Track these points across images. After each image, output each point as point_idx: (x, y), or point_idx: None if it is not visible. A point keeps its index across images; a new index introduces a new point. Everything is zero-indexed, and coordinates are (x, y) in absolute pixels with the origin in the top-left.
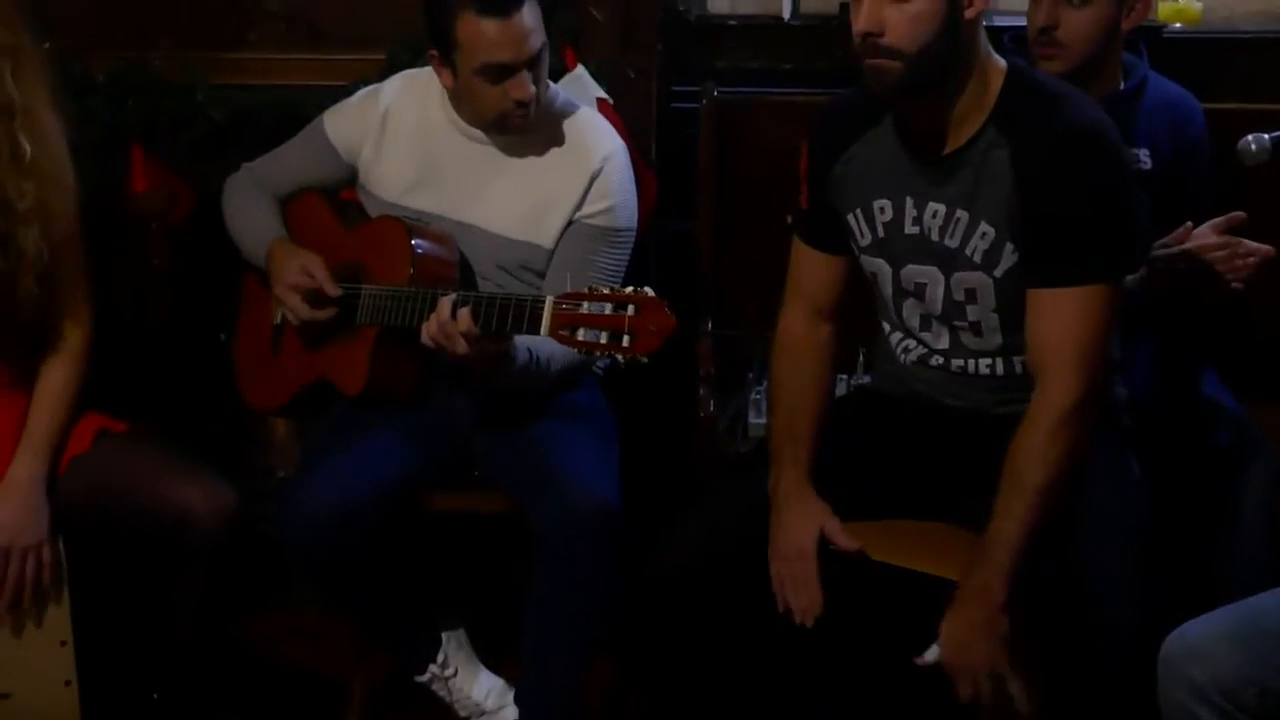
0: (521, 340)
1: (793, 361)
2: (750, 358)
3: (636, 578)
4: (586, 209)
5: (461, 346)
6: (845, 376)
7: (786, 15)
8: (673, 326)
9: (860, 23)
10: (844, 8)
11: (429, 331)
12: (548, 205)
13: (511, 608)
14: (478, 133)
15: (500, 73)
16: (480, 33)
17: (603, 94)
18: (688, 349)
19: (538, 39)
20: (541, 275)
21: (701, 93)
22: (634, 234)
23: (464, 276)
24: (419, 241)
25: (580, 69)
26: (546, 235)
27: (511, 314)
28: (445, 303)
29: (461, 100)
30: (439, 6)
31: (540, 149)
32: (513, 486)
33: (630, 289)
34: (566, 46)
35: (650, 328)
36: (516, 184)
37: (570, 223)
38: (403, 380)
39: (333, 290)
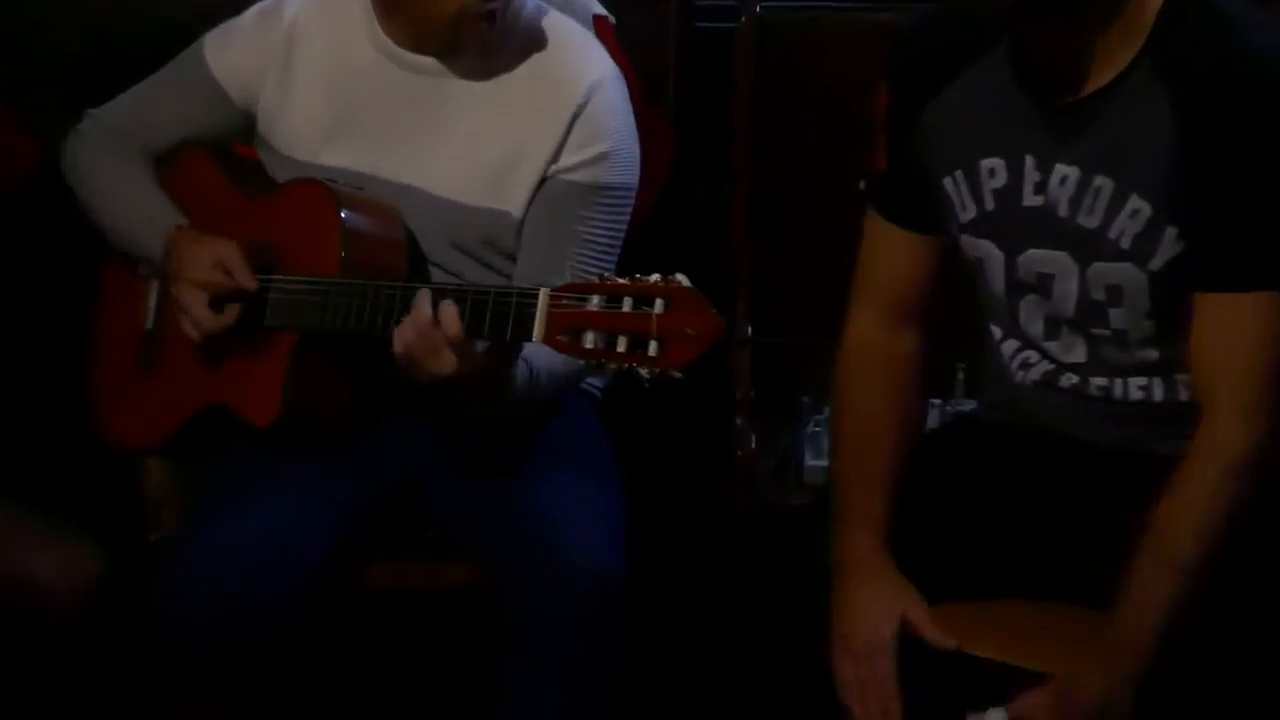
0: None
1: (865, 381)
2: (805, 376)
3: (639, 673)
4: (566, 159)
5: (448, 361)
6: (938, 402)
7: None
8: (718, 330)
9: None
10: None
11: (404, 341)
12: (515, 156)
13: (477, 711)
14: (418, 59)
15: None
16: None
17: (600, 9)
18: (719, 363)
19: None
20: (511, 258)
21: (740, 9)
22: (633, 194)
23: (412, 262)
24: (351, 215)
25: None
26: (514, 198)
27: (494, 313)
28: (423, 299)
29: (394, 9)
30: None
31: (504, 80)
32: (480, 550)
33: (658, 277)
34: None
35: (687, 331)
36: (472, 130)
37: (544, 179)
38: (330, 405)
39: (251, 283)
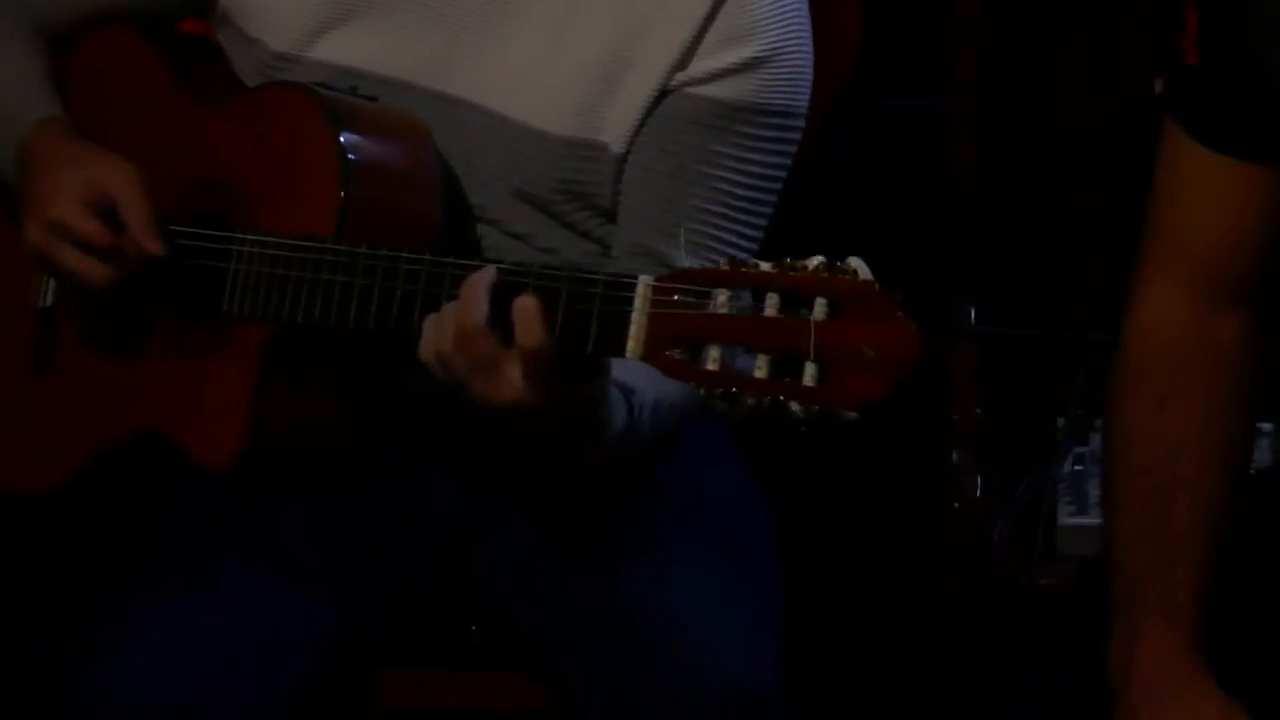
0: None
1: (1163, 388)
2: (1060, 386)
3: None
4: (699, 64)
5: (510, 384)
6: (1269, 428)
7: None
8: (914, 351)
9: None
10: None
11: (440, 347)
12: (620, 58)
13: None
14: None
15: None
16: None
17: None
18: (928, 366)
19: None
20: (608, 218)
21: None
22: (798, 126)
23: (451, 220)
24: (354, 138)
25: None
26: (614, 121)
27: (567, 311)
28: (478, 285)
29: None
30: None
31: None
32: (549, 658)
33: (820, 262)
34: None
35: (865, 350)
36: (556, 16)
37: (662, 94)
38: (319, 436)
39: (152, 243)
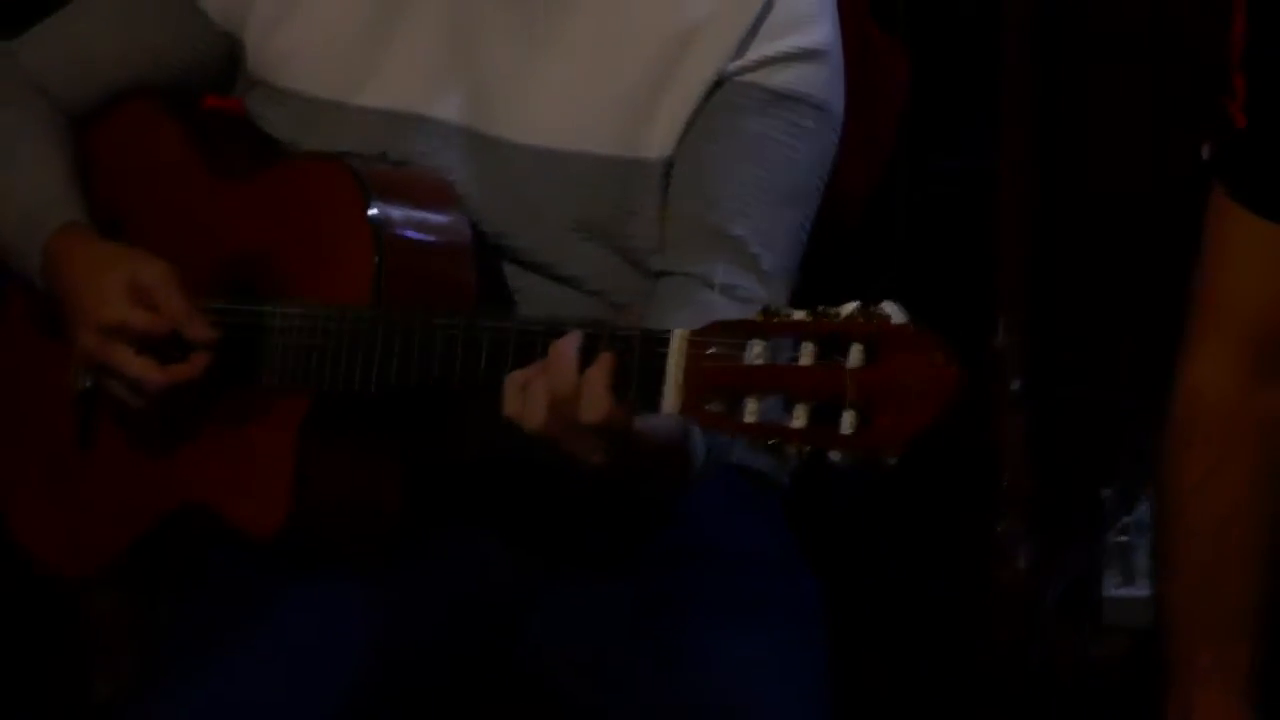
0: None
1: (1213, 458)
2: (1109, 453)
3: None
4: (758, 49)
5: (597, 441)
6: None
7: None
8: (954, 386)
9: None
10: None
11: (529, 419)
12: (671, 64)
13: None
14: None
15: None
16: None
17: None
18: (971, 428)
19: None
20: (639, 249)
21: None
22: (838, 130)
23: (484, 277)
24: (385, 206)
25: None
26: (664, 128)
27: (622, 362)
28: (570, 344)
29: None
30: None
31: None
32: None
33: (855, 308)
34: None
35: (904, 387)
36: (591, 35)
37: (719, 82)
38: (369, 504)
39: (201, 329)
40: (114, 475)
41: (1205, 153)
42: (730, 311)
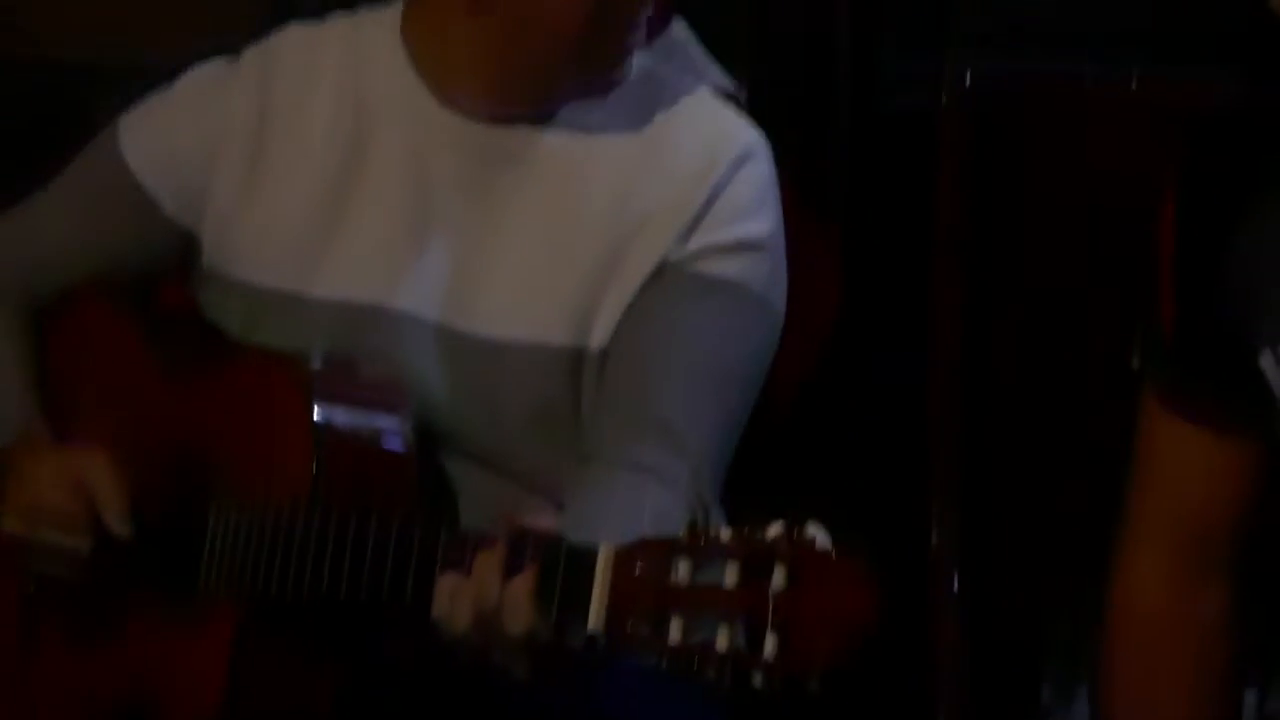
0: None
1: (1147, 662)
2: (1044, 655)
3: None
4: (694, 242)
5: (520, 652)
6: (1255, 696)
7: None
8: (869, 614)
9: None
10: None
11: (456, 628)
12: (619, 252)
13: None
14: (496, 135)
15: None
16: None
17: (724, 81)
18: (910, 634)
19: None
20: (571, 445)
21: (940, 75)
22: (778, 326)
23: (427, 478)
24: (328, 407)
25: (680, 29)
26: (608, 314)
27: (547, 576)
28: (495, 554)
29: (489, 40)
30: None
31: (607, 145)
32: None
33: (778, 529)
34: None
35: (828, 618)
36: (544, 223)
37: (660, 268)
38: (302, 702)
39: (121, 525)
40: (55, 677)
41: (1135, 361)
42: (657, 496)
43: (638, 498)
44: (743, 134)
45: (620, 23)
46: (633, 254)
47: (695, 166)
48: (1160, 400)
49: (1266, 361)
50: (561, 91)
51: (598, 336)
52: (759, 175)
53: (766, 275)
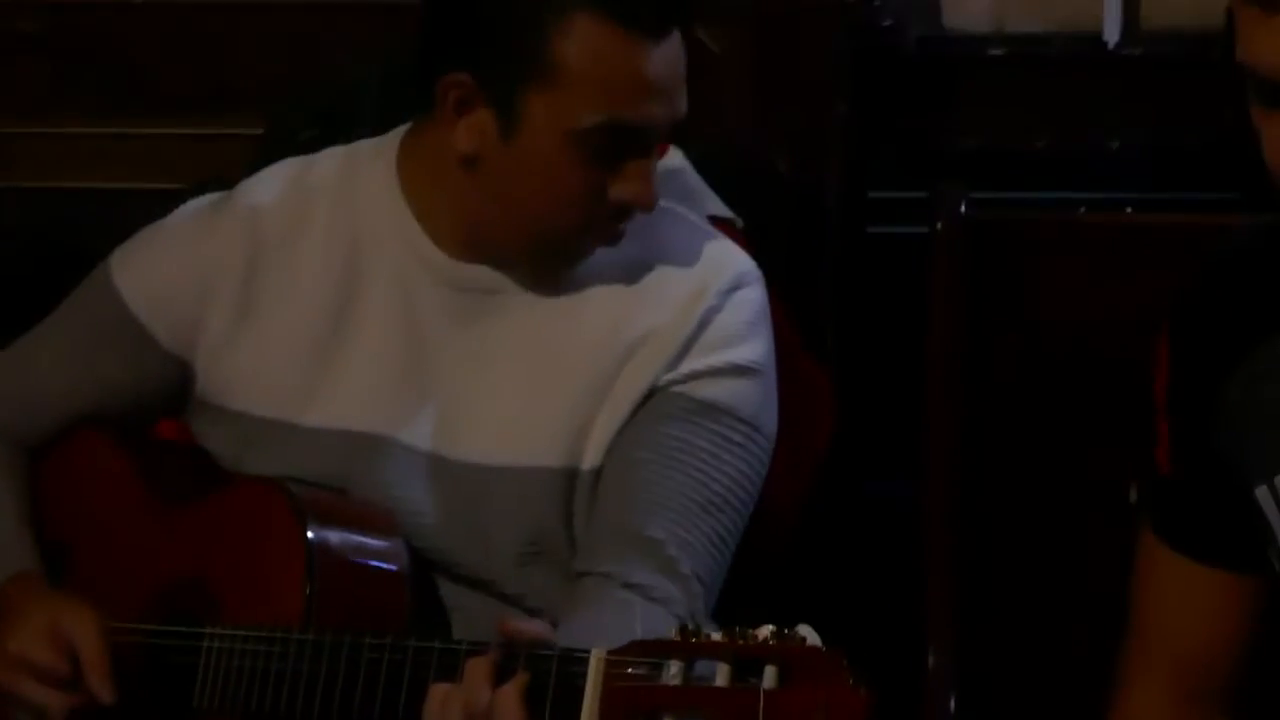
0: None
1: None
2: None
3: None
4: (685, 366)
5: None
6: None
7: (1113, 37)
8: (864, 710)
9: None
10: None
11: None
12: (611, 377)
13: None
14: (480, 271)
15: (624, 142)
16: (615, 58)
17: (721, 209)
18: None
19: (685, 95)
20: (563, 568)
21: (932, 203)
22: (768, 448)
23: (420, 600)
24: (320, 532)
25: (676, 157)
26: (600, 436)
27: (531, 686)
28: (485, 661)
29: (474, 197)
30: None
31: (598, 274)
32: None
33: (769, 632)
34: None
35: (820, 716)
36: (532, 356)
37: (651, 391)
38: None
39: (104, 689)
40: None
41: (1132, 494)
42: (648, 613)
43: (629, 614)
44: (735, 261)
45: (594, 237)
46: (624, 378)
47: (687, 293)
48: (1157, 534)
49: (1262, 495)
50: (525, 262)
51: (590, 457)
52: (751, 301)
53: (757, 399)
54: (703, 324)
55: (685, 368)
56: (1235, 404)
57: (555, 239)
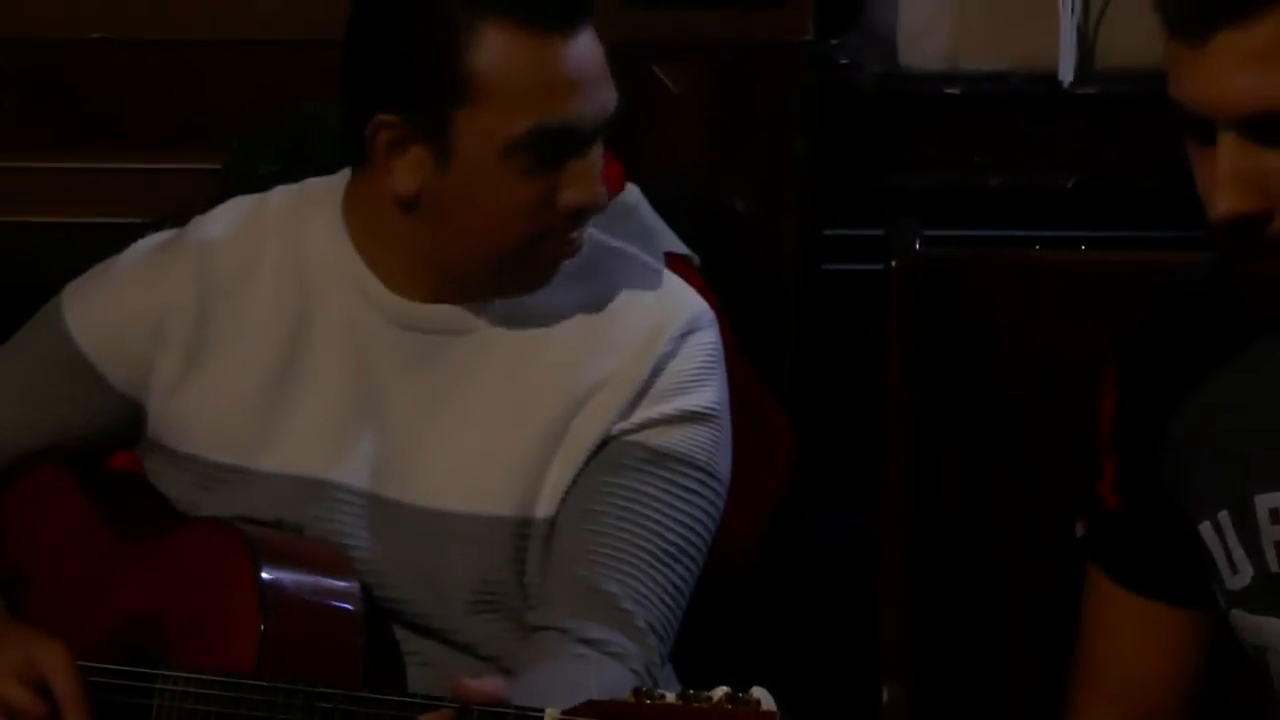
0: None
1: None
2: None
3: None
4: (644, 411)
5: None
6: None
7: (1068, 75)
8: None
9: (1224, 199)
10: None
11: None
12: (565, 425)
13: None
14: (435, 311)
15: (558, 145)
16: (529, 62)
17: (678, 245)
18: None
19: (612, 89)
20: (515, 618)
21: (888, 240)
22: (722, 493)
23: (375, 643)
24: (275, 573)
25: (633, 193)
26: (554, 485)
27: None
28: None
29: (424, 238)
30: (425, 12)
31: (548, 320)
32: None
33: (723, 694)
34: (605, 149)
35: None
36: (490, 404)
37: (605, 441)
38: None
39: (78, 712)
40: None
41: (1079, 529)
42: (604, 669)
43: (584, 670)
44: (688, 305)
45: (553, 246)
46: (578, 426)
47: (640, 339)
48: (1105, 569)
49: (1206, 531)
50: (494, 290)
51: (544, 506)
52: (704, 346)
53: (711, 444)
54: (656, 371)
55: (638, 416)
56: (1180, 440)
57: (514, 259)
